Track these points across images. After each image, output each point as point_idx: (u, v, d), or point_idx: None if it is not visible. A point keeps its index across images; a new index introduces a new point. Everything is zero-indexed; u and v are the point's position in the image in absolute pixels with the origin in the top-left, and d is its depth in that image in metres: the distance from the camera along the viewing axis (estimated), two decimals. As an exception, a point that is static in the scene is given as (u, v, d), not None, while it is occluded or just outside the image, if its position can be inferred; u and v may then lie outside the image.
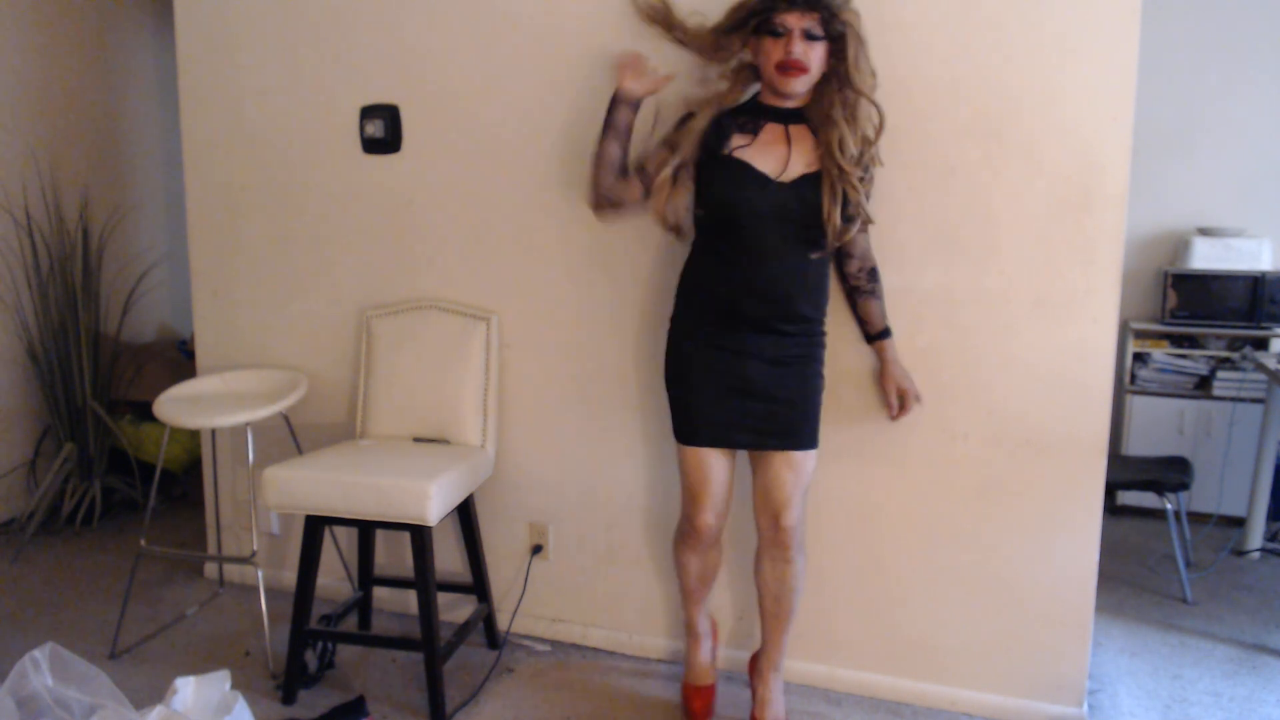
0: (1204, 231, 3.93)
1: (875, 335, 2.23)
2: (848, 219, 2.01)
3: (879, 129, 2.03)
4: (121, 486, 3.79)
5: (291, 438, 2.82)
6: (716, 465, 2.12)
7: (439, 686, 2.27)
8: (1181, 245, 3.93)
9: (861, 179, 2.01)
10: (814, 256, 2.04)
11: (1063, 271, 2.16)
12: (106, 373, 3.78)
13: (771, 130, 2.04)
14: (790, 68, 1.95)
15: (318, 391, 2.89)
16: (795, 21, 1.93)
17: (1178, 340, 3.92)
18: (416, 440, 2.61)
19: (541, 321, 2.61)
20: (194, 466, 3.80)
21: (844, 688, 2.44)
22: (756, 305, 2.03)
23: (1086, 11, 2.07)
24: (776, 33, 1.94)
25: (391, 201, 2.74)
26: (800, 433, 2.10)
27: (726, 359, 2.06)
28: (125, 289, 4.00)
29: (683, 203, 2.08)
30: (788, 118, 2.05)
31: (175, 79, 3.00)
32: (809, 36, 1.94)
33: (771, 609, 2.22)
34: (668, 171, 2.05)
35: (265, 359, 2.96)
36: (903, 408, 2.21)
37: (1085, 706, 2.27)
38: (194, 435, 3.74)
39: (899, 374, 2.21)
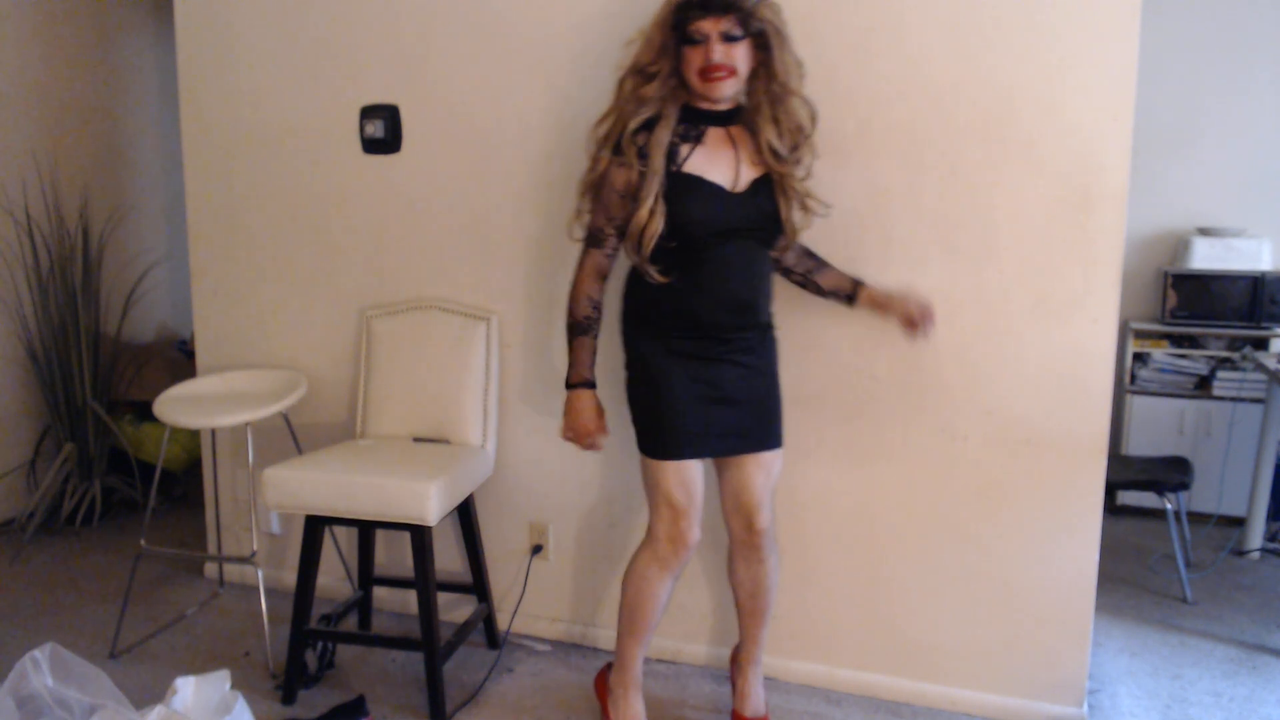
0: (1204, 231, 3.93)
1: (855, 291, 2.17)
2: (803, 209, 2.06)
3: (812, 122, 2.05)
4: (121, 486, 3.79)
5: (291, 438, 2.82)
6: (698, 476, 2.06)
7: (439, 686, 2.27)
8: (1181, 245, 3.93)
9: (802, 175, 2.04)
10: (772, 254, 2.10)
11: (1063, 272, 2.16)
12: (106, 373, 3.78)
13: (714, 135, 2.00)
14: (712, 73, 1.91)
15: (318, 391, 2.89)
16: (711, 26, 1.89)
17: (1178, 340, 3.91)
18: (416, 440, 2.61)
19: (541, 321, 2.61)
20: (194, 466, 3.80)
21: (844, 688, 2.44)
22: (726, 315, 2.02)
23: (1087, 11, 2.07)
24: (695, 40, 1.91)
25: (391, 201, 2.74)
26: (770, 432, 2.11)
27: (698, 369, 2.02)
28: (125, 289, 4.00)
29: (659, 229, 1.95)
30: (725, 119, 2.02)
31: (175, 79, 3.00)
32: (728, 38, 1.90)
33: (749, 606, 2.21)
34: (650, 203, 1.93)
35: (265, 359, 2.96)
36: (923, 321, 2.13)
37: (1085, 706, 2.27)
38: (194, 435, 3.73)
39: (899, 299, 2.14)
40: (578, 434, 2.08)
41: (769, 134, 1.98)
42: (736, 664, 2.30)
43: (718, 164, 1.98)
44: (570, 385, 2.07)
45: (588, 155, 2.06)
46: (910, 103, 2.21)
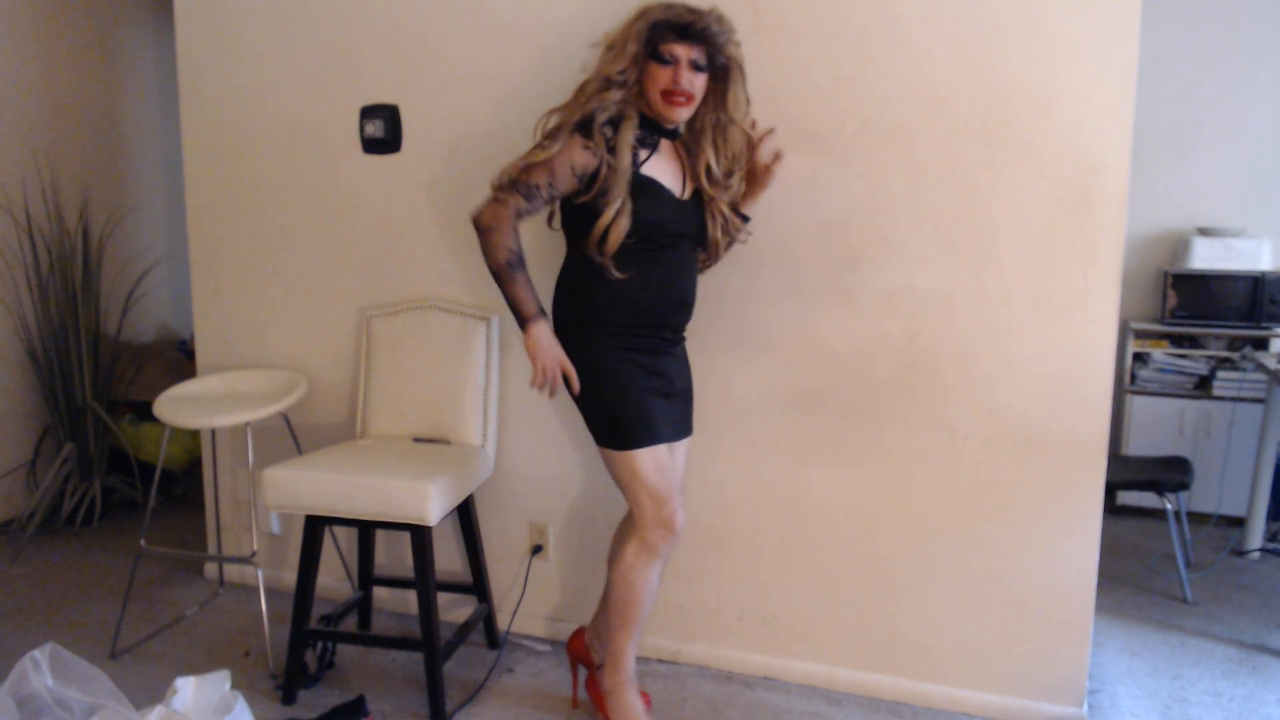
0: (1204, 231, 3.93)
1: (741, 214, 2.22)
2: (726, 233, 2.17)
3: (749, 152, 2.14)
4: (121, 486, 3.79)
5: (291, 438, 2.82)
6: (669, 459, 2.13)
7: (439, 686, 2.27)
8: (1181, 245, 3.93)
9: (728, 200, 2.13)
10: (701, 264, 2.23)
11: (1063, 271, 2.16)
12: (106, 373, 3.79)
13: (666, 146, 2.10)
14: (676, 97, 1.99)
15: (318, 391, 2.89)
16: (683, 52, 1.97)
17: (1178, 340, 3.91)
18: (416, 440, 2.61)
19: (541, 321, 2.61)
20: (194, 466, 3.80)
21: (844, 688, 2.44)
22: (675, 313, 2.13)
23: (1087, 12, 2.07)
24: (664, 60, 1.97)
25: (391, 201, 2.74)
26: (691, 419, 2.26)
27: (649, 363, 2.11)
28: (125, 289, 4.00)
29: (626, 228, 1.98)
30: (673, 133, 2.11)
31: (175, 79, 3.00)
32: (695, 67, 1.98)
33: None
34: (618, 203, 1.96)
35: (265, 359, 2.96)
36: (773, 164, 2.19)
37: (1085, 706, 2.27)
38: (194, 435, 3.74)
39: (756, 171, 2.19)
40: (554, 366, 2.04)
41: (709, 156, 2.08)
42: (603, 644, 2.29)
43: (668, 172, 2.09)
44: (529, 320, 2.05)
45: (539, 133, 2.06)
46: (910, 103, 2.21)
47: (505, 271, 2.05)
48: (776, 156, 2.19)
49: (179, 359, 4.09)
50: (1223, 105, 3.94)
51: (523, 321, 2.06)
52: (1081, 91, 2.10)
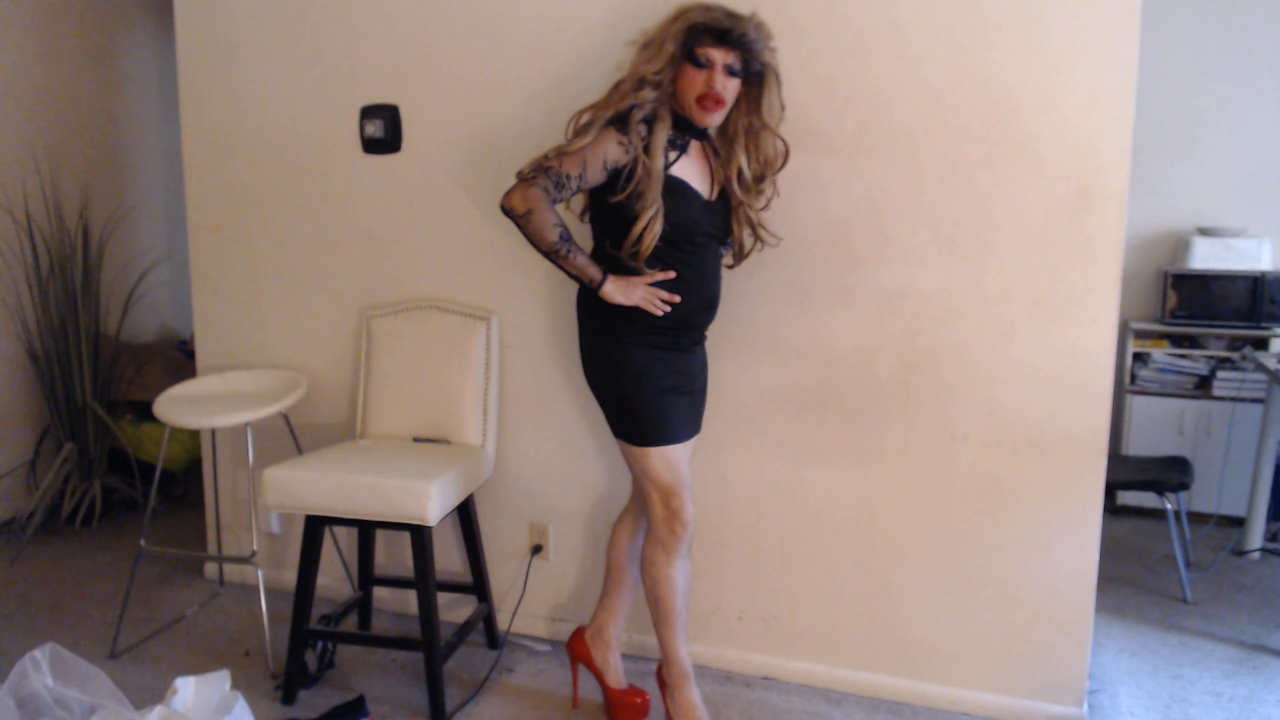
0: (1204, 231, 3.93)
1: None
2: (754, 237, 2.18)
3: (784, 158, 2.13)
4: (121, 486, 3.79)
5: (291, 438, 2.82)
6: (682, 455, 2.13)
7: (439, 686, 2.27)
8: (1181, 245, 3.93)
9: (760, 205, 2.14)
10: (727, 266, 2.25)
11: (1062, 271, 2.16)
12: (106, 373, 3.78)
13: (696, 147, 2.10)
14: (710, 102, 1.98)
15: (318, 391, 2.89)
16: (719, 56, 1.96)
17: (1178, 340, 3.91)
18: (416, 440, 2.61)
19: (541, 321, 2.61)
20: (194, 466, 3.80)
21: (844, 688, 2.44)
22: (703, 314, 2.14)
23: (1087, 12, 2.07)
24: (700, 63, 1.97)
25: (391, 201, 2.74)
26: (702, 416, 2.26)
27: (675, 361, 2.12)
28: (125, 289, 4.00)
29: (659, 231, 1.98)
30: (703, 133, 2.11)
31: (175, 79, 3.00)
32: (730, 72, 1.98)
33: (634, 580, 2.31)
34: (653, 210, 1.95)
35: (265, 359, 2.96)
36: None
37: (1085, 706, 2.27)
38: (194, 435, 3.73)
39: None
40: (646, 294, 2.02)
41: (741, 161, 2.08)
42: (604, 641, 2.31)
43: (696, 174, 2.08)
44: (599, 284, 2.02)
45: (571, 132, 2.02)
46: (910, 103, 2.21)
47: (560, 249, 1.99)
48: None
49: (179, 359, 4.09)
50: (1223, 105, 3.94)
51: (594, 287, 2.03)
52: (1081, 91, 2.10)
